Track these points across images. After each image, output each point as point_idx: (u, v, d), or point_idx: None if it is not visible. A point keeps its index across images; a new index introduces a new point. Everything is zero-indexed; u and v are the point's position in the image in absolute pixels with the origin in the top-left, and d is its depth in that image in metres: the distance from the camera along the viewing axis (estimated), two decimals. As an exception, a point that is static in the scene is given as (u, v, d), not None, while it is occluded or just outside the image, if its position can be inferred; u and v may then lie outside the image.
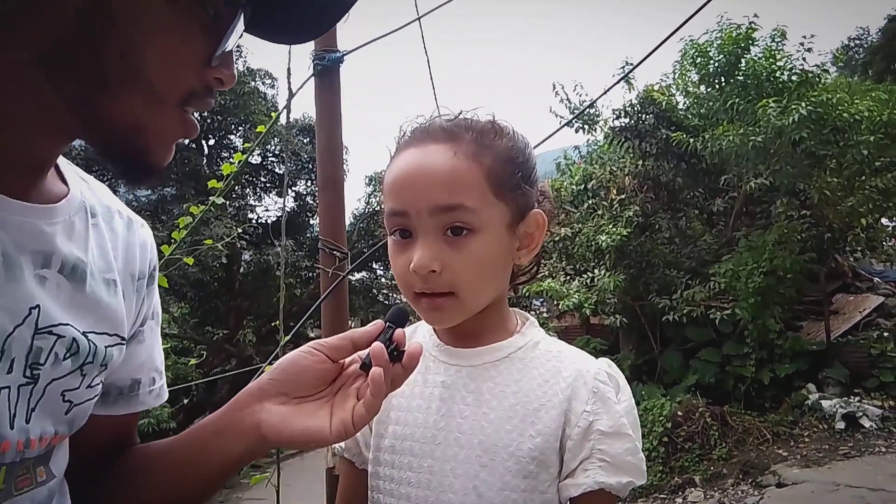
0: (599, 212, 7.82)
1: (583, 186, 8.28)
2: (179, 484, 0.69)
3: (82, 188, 0.65)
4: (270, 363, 2.03)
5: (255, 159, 13.34)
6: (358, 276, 13.76)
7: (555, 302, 8.28)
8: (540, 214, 0.84)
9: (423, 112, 0.87)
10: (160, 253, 2.06)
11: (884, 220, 8.29)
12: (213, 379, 9.88)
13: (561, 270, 8.38)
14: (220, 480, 0.69)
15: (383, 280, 14.62)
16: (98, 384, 0.63)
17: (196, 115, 0.60)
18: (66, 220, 0.60)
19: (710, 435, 6.26)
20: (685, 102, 8.42)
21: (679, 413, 6.44)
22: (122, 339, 0.65)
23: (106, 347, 0.62)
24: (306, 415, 0.65)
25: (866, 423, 6.28)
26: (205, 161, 12.93)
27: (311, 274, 11.95)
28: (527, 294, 7.60)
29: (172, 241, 2.38)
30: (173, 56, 0.54)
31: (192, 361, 5.13)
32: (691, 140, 7.21)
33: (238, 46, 0.61)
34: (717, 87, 7.62)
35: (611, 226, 7.39)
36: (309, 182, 13.57)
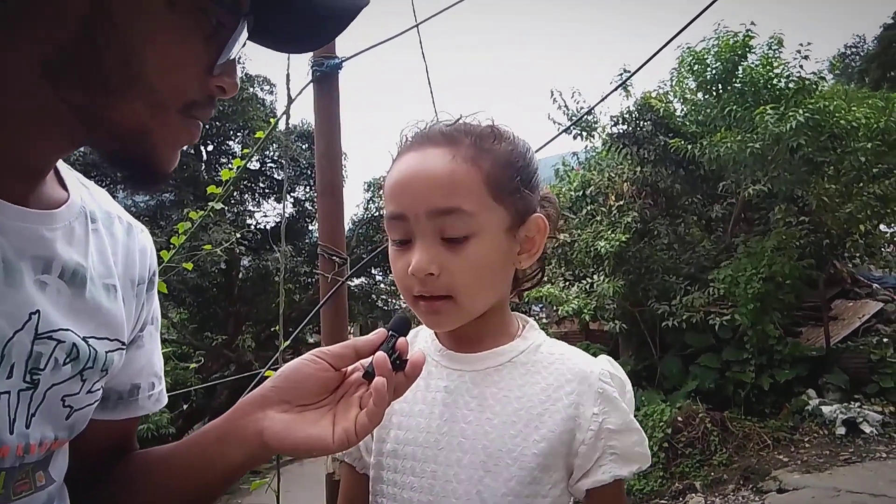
0: (598, 218, 7.83)
1: (581, 193, 8.29)
2: (180, 490, 0.69)
3: (82, 193, 0.65)
4: (270, 369, 2.03)
5: (254, 165, 13.36)
6: (357, 281, 13.75)
7: (554, 308, 8.28)
8: (541, 219, 0.84)
9: (421, 117, 0.87)
10: (159, 259, 2.06)
11: (882, 227, 8.31)
12: (212, 384, 9.85)
13: (560, 276, 8.38)
14: (221, 487, 0.69)
15: (382, 286, 14.62)
16: (98, 389, 0.63)
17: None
18: (67, 225, 0.60)
19: (711, 441, 6.25)
20: (683, 109, 8.45)
21: (679, 419, 6.43)
22: (122, 344, 0.65)
23: (106, 353, 0.62)
24: (309, 423, 0.65)
25: (867, 429, 6.27)
26: (203, 167, 12.95)
27: (309, 279, 11.96)
28: (526, 300, 7.60)
29: (171, 246, 2.38)
30: (175, 63, 0.54)
31: (192, 366, 5.11)
32: (689, 147, 7.23)
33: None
34: (714, 94, 7.66)
35: (609, 232, 7.40)
36: (308, 188, 13.59)
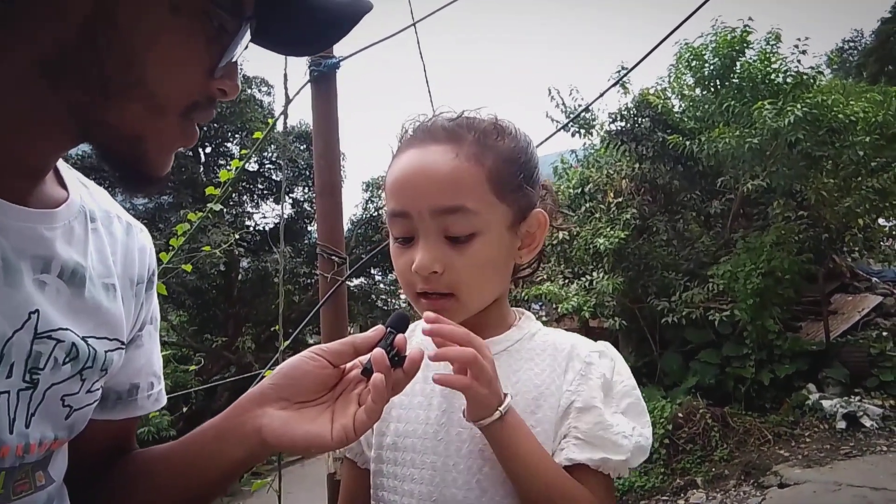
0: (597, 215, 7.83)
1: (580, 190, 8.29)
2: (180, 488, 0.68)
3: (82, 193, 0.65)
4: (270, 369, 2.03)
5: (252, 166, 13.35)
6: (356, 281, 13.75)
7: (554, 305, 8.28)
8: (542, 214, 0.84)
9: (424, 114, 0.87)
10: (158, 260, 2.06)
11: (881, 221, 8.31)
12: (212, 386, 9.85)
13: (559, 273, 8.38)
14: (220, 485, 0.69)
15: (382, 286, 14.62)
16: (98, 389, 0.63)
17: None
18: (66, 224, 0.60)
19: (711, 436, 6.25)
20: (681, 105, 8.44)
21: (680, 415, 6.43)
22: (122, 343, 0.65)
23: (105, 352, 0.62)
24: (307, 420, 0.65)
25: (867, 423, 6.28)
26: (201, 169, 12.93)
27: (309, 280, 11.95)
28: (526, 297, 7.60)
29: (170, 248, 2.38)
30: (176, 66, 0.54)
31: (192, 368, 5.11)
32: (687, 143, 7.23)
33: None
34: (712, 89, 7.65)
35: (608, 229, 7.40)
36: (306, 188, 13.58)
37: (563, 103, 8.50)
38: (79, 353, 0.58)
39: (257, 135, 2.82)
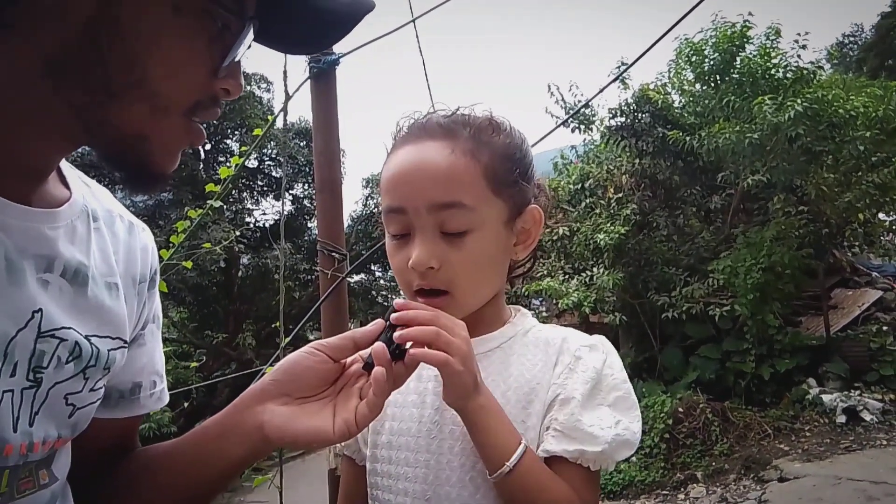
0: (597, 210, 7.83)
1: (580, 185, 8.28)
2: (182, 486, 0.69)
3: (84, 192, 0.65)
4: (271, 366, 2.03)
5: (252, 163, 13.35)
6: (357, 277, 13.76)
7: (554, 301, 8.28)
8: (537, 210, 0.84)
9: (419, 111, 0.87)
10: (159, 258, 2.05)
11: (881, 215, 8.30)
12: (213, 382, 9.87)
13: (560, 269, 8.38)
14: (223, 482, 0.69)
15: (382, 282, 14.62)
16: (100, 388, 0.63)
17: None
18: (69, 224, 0.60)
19: (712, 431, 6.27)
20: (681, 101, 8.43)
21: (680, 409, 6.45)
22: (124, 342, 0.66)
23: (108, 351, 0.62)
24: (309, 415, 0.66)
25: (867, 417, 6.29)
26: (201, 165, 12.92)
27: (309, 277, 11.95)
28: (526, 293, 7.60)
29: (171, 245, 2.38)
30: (180, 66, 0.54)
31: (193, 365, 5.12)
32: (688, 138, 7.22)
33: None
34: (712, 85, 7.64)
35: (609, 224, 7.40)
36: (306, 185, 13.57)
37: (563, 99, 8.50)
38: (82, 351, 0.58)
39: (257, 131, 2.81)
